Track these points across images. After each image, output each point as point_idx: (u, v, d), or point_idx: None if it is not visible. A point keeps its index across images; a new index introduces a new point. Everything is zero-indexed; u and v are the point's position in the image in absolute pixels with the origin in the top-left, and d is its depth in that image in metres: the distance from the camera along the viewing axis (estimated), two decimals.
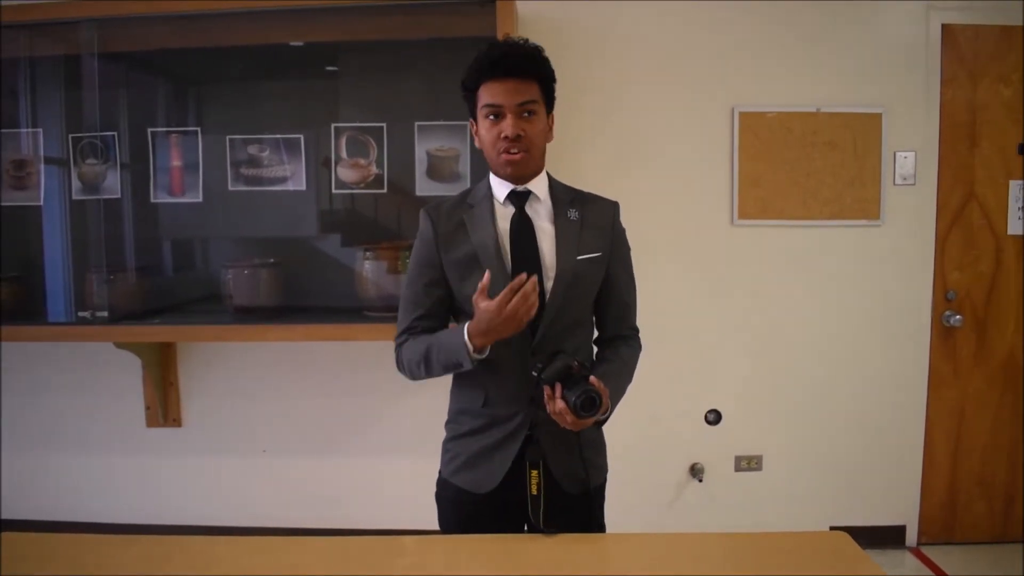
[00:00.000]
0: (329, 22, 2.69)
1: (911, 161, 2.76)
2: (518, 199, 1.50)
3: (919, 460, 2.88)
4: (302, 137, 2.73)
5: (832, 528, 1.63)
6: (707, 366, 2.85)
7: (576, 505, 1.52)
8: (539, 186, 1.52)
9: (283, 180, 2.75)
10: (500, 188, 1.51)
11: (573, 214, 1.52)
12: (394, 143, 2.71)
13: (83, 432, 2.97)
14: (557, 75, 1.50)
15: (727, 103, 2.75)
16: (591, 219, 1.54)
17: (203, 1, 2.54)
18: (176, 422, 2.94)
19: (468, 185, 2.44)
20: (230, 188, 2.76)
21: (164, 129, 2.79)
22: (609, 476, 1.63)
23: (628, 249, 1.61)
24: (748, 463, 2.89)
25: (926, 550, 2.87)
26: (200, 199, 2.77)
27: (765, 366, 2.85)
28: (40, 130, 2.77)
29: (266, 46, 2.77)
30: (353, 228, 2.83)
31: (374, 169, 2.73)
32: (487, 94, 1.44)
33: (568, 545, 1.41)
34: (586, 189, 1.60)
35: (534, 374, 1.40)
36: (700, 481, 2.87)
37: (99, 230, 2.73)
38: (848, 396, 2.85)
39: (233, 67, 2.84)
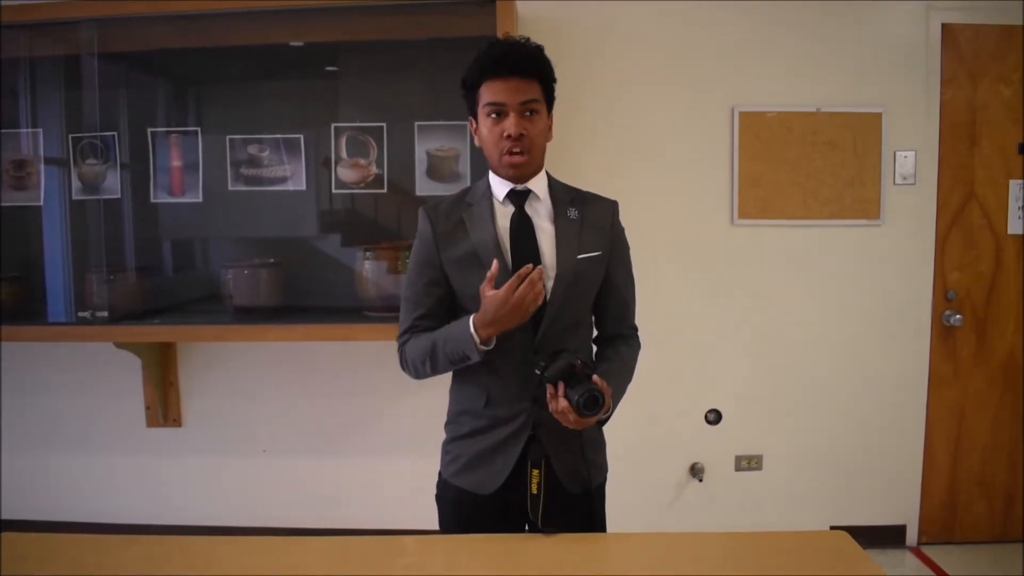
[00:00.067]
0: (329, 22, 2.69)
1: (911, 161, 2.76)
2: (518, 198, 1.50)
3: (919, 460, 2.88)
4: (302, 137, 2.73)
5: (832, 528, 1.63)
6: (707, 366, 2.85)
7: (578, 504, 1.52)
8: (539, 185, 1.52)
9: (283, 180, 2.75)
10: (500, 187, 1.51)
11: (573, 213, 1.52)
12: (394, 143, 2.71)
13: (83, 432, 2.97)
14: (557, 75, 1.50)
15: (727, 103, 2.75)
16: (591, 218, 1.54)
17: (203, 1, 2.54)
18: (176, 422, 2.94)
19: (468, 185, 2.44)
20: (230, 188, 2.76)
21: (164, 129, 2.79)
22: (609, 476, 1.63)
23: (627, 248, 1.61)
24: (748, 463, 2.88)
25: (926, 550, 2.87)
26: (200, 199, 2.77)
27: (765, 366, 2.85)
28: (40, 130, 2.77)
29: (266, 46, 2.77)
30: (353, 228, 2.83)
31: (374, 169, 2.73)
32: (489, 92, 1.44)
33: (568, 545, 1.41)
34: (586, 189, 1.61)
35: (537, 372, 1.40)
36: (700, 481, 2.87)
37: (99, 230, 2.73)
38: (848, 396, 2.85)
39: (233, 67, 2.84)
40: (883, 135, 2.74)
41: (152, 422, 2.94)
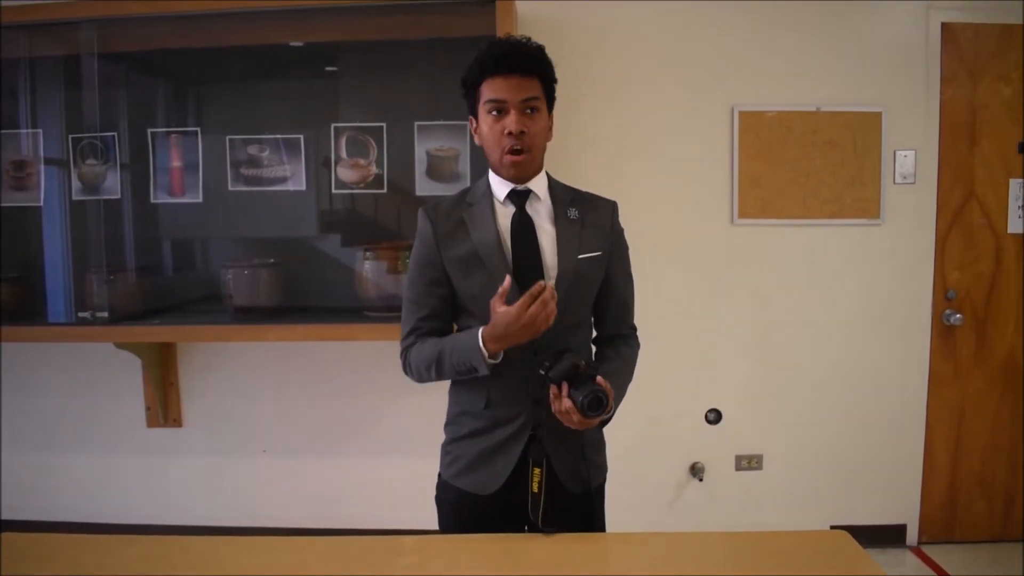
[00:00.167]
0: (329, 22, 2.69)
1: (911, 160, 2.76)
2: (518, 198, 1.50)
3: (919, 459, 2.88)
4: (302, 137, 2.73)
5: (833, 527, 1.63)
6: (707, 366, 2.85)
7: (578, 505, 1.52)
8: (539, 185, 1.52)
9: (283, 180, 2.75)
10: (500, 187, 1.51)
11: (573, 213, 1.52)
12: (394, 143, 2.71)
13: (83, 432, 2.97)
14: (557, 75, 1.50)
15: (727, 102, 2.75)
16: (591, 219, 1.54)
17: (203, 1, 2.54)
18: (176, 422, 2.94)
19: (468, 185, 2.44)
20: (230, 188, 2.76)
21: (164, 129, 2.79)
22: (609, 476, 1.63)
23: (627, 249, 1.61)
24: (748, 462, 2.88)
25: (927, 549, 2.87)
26: (200, 199, 2.77)
27: (765, 365, 2.85)
28: (40, 131, 2.77)
29: (266, 46, 2.77)
30: (353, 228, 2.83)
31: (374, 169, 2.73)
32: (490, 90, 1.44)
33: (568, 545, 1.41)
34: (585, 189, 1.60)
35: (541, 372, 1.40)
36: (700, 481, 2.87)
37: (99, 230, 2.73)
38: (848, 395, 2.85)
39: (233, 67, 2.84)
40: (883, 134, 2.74)
41: (152, 422, 2.94)
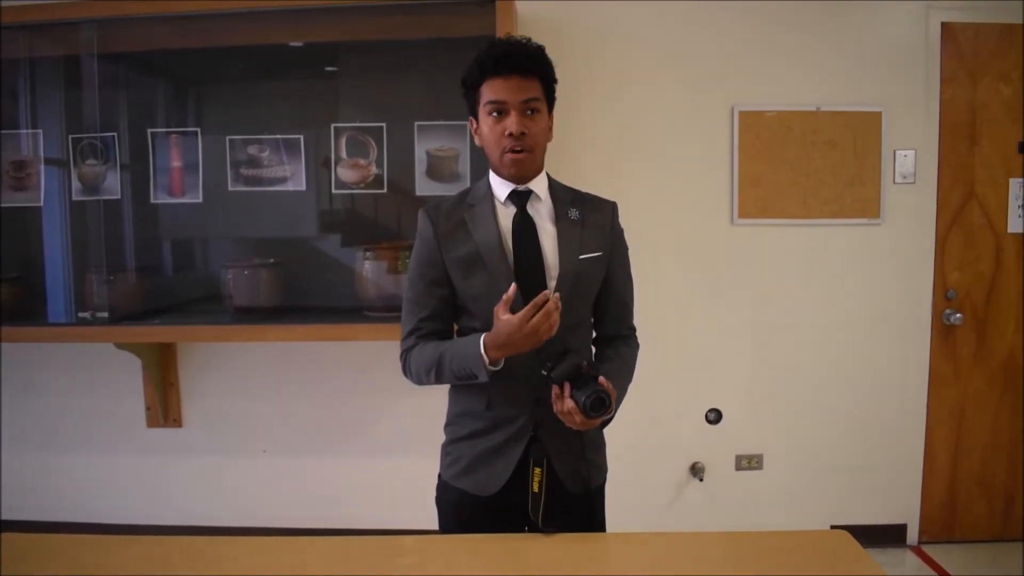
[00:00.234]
0: (329, 22, 2.69)
1: (911, 160, 2.76)
2: (519, 199, 1.50)
3: (920, 459, 2.88)
4: (302, 137, 2.73)
5: (833, 527, 1.63)
6: (707, 366, 2.85)
7: (579, 505, 1.52)
8: (540, 186, 1.52)
9: (283, 180, 2.75)
10: (501, 188, 1.51)
11: (574, 214, 1.52)
12: (394, 143, 2.71)
13: (83, 433, 2.97)
14: (557, 75, 1.50)
15: (727, 102, 2.75)
16: (591, 219, 1.54)
17: (203, 1, 2.54)
18: (176, 422, 2.94)
19: (468, 185, 2.44)
20: (230, 188, 2.76)
21: (164, 130, 2.79)
22: (609, 476, 1.63)
23: (626, 249, 1.61)
24: (749, 462, 2.88)
25: (927, 549, 2.87)
26: (200, 199, 2.77)
27: (765, 365, 2.85)
28: (40, 131, 2.77)
29: (266, 46, 2.77)
30: (353, 228, 2.83)
31: (374, 169, 2.73)
32: (490, 91, 1.44)
33: (568, 545, 1.41)
34: (585, 189, 1.60)
35: (544, 373, 1.40)
36: (700, 480, 2.87)
37: (99, 231, 2.73)
38: (848, 395, 2.85)
39: (233, 67, 2.84)
40: (883, 134, 2.74)
41: (152, 422, 2.94)
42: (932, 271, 2.81)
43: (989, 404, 2.87)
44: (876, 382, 2.84)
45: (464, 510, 1.54)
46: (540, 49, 1.46)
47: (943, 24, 2.72)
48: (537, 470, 1.46)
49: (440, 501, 1.60)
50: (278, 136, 2.73)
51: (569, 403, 1.36)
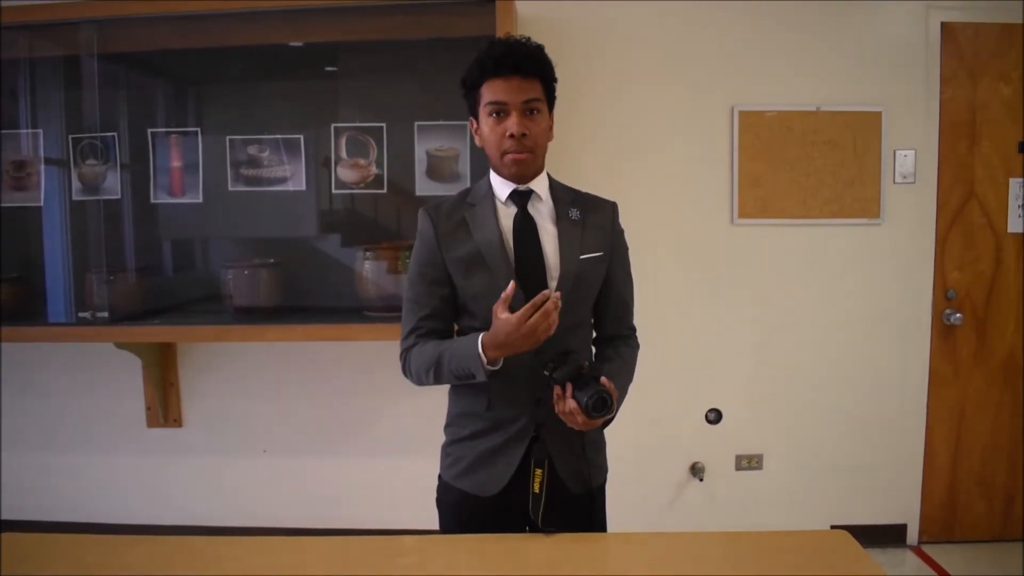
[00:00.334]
0: (329, 22, 2.68)
1: (911, 159, 2.76)
2: (520, 199, 1.50)
3: (920, 459, 2.88)
4: (302, 137, 2.73)
5: (833, 527, 1.63)
6: (707, 366, 2.85)
7: (580, 505, 1.52)
8: (540, 186, 1.52)
9: (283, 180, 2.75)
10: (502, 188, 1.51)
11: (574, 214, 1.52)
12: (394, 143, 2.71)
13: (83, 433, 2.97)
14: (557, 75, 1.50)
15: (727, 102, 2.75)
16: (592, 219, 1.54)
17: (203, 1, 2.54)
18: (176, 422, 2.94)
19: (468, 185, 2.45)
20: (230, 188, 2.76)
21: (164, 130, 2.79)
22: (609, 476, 1.63)
23: (627, 249, 1.61)
24: (749, 462, 2.88)
25: (927, 549, 2.87)
26: (200, 199, 2.77)
27: (765, 365, 2.85)
28: (40, 131, 2.77)
29: (266, 46, 2.77)
30: (353, 228, 2.83)
31: (374, 169, 2.73)
32: (490, 91, 1.43)
33: (568, 545, 1.41)
34: (586, 189, 1.60)
35: (546, 373, 1.40)
36: (701, 480, 2.87)
37: (99, 231, 2.73)
38: (848, 395, 2.85)
39: (233, 67, 2.84)
40: (883, 134, 2.74)
41: (152, 422, 2.94)
42: (932, 271, 2.81)
43: (989, 404, 2.87)
44: (876, 382, 2.84)
45: (464, 511, 1.53)
46: (540, 49, 1.46)
47: (943, 24, 2.72)
48: (538, 471, 1.46)
49: (440, 502, 1.60)
50: (278, 136, 2.73)
51: (571, 403, 1.35)
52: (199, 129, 2.78)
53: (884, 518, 2.90)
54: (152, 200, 2.79)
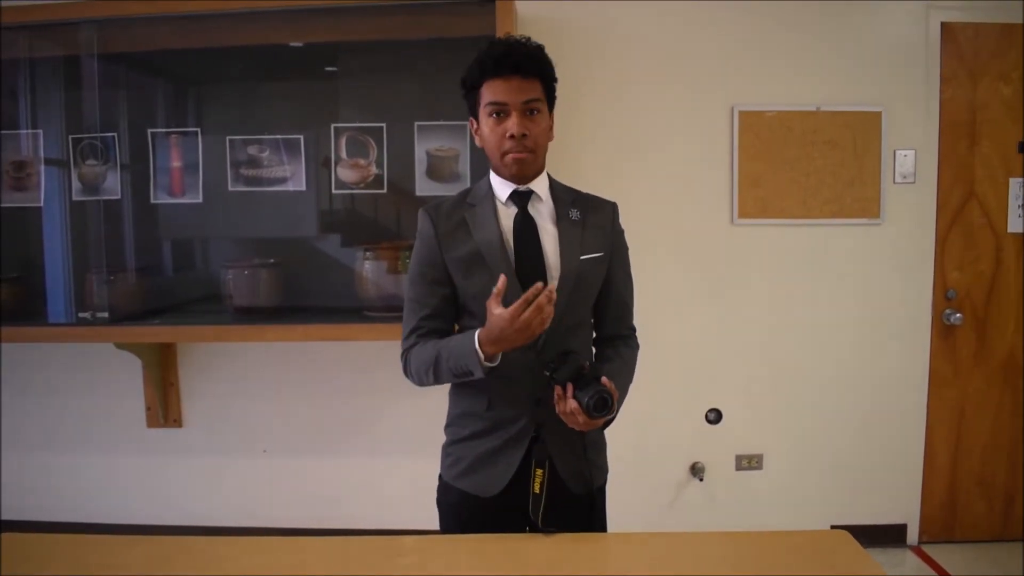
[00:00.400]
0: (329, 22, 2.69)
1: (911, 159, 2.76)
2: (520, 199, 1.50)
3: (920, 459, 2.88)
4: (302, 137, 2.73)
5: (833, 527, 1.63)
6: (707, 366, 2.85)
7: (580, 505, 1.52)
8: (541, 186, 1.52)
9: (283, 180, 2.75)
10: (502, 188, 1.51)
11: (575, 214, 1.52)
12: (394, 143, 2.71)
13: (84, 433, 2.97)
14: (557, 75, 1.50)
15: (727, 102, 2.75)
16: (592, 219, 1.53)
17: (203, 1, 2.54)
18: (176, 422, 2.94)
19: (468, 185, 2.45)
20: (230, 188, 2.76)
21: (164, 130, 2.79)
22: (610, 476, 1.63)
23: (626, 249, 1.61)
24: (749, 462, 2.88)
25: (927, 549, 2.87)
26: (200, 199, 2.77)
27: (765, 365, 2.85)
28: (40, 131, 2.77)
29: (266, 46, 2.77)
30: (353, 228, 2.83)
31: (374, 169, 2.73)
32: (490, 92, 1.43)
33: (568, 545, 1.41)
34: (586, 189, 1.60)
35: (547, 374, 1.40)
36: (701, 480, 2.87)
37: (99, 231, 2.73)
38: (849, 395, 2.85)
39: (233, 67, 2.84)
40: (883, 134, 2.74)
41: (152, 422, 2.94)
42: (932, 271, 2.81)
43: (989, 404, 2.87)
44: (876, 382, 2.84)
45: (465, 511, 1.53)
46: (540, 49, 1.46)
47: (943, 24, 2.72)
48: (539, 471, 1.46)
49: (441, 502, 1.60)
50: (278, 136, 2.73)
51: (572, 404, 1.35)
52: (199, 129, 2.78)
53: (884, 518, 2.90)
54: (152, 200, 2.79)
